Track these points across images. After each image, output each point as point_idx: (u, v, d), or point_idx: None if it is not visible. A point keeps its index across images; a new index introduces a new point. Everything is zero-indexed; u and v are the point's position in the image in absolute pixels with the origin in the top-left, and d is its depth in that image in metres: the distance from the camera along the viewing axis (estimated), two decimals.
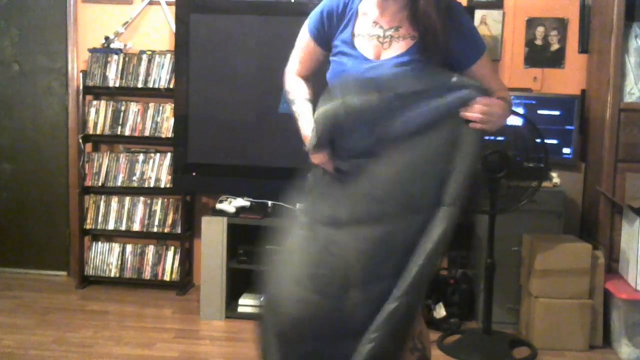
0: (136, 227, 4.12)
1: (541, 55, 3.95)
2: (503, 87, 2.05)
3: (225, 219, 3.66)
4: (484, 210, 3.28)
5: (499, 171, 3.15)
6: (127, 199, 4.13)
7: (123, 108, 4.08)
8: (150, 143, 4.15)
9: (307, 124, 2.01)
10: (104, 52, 4.06)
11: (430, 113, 1.82)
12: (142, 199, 4.13)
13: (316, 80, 2.11)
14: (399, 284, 1.79)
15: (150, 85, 4.03)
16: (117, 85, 4.06)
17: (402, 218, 1.81)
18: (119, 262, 4.14)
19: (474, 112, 1.84)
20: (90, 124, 4.10)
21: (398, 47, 1.93)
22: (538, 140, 3.22)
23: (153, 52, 4.06)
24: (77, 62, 4.22)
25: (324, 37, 2.05)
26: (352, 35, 1.99)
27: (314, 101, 2.02)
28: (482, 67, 1.97)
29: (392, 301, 1.79)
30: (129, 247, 4.15)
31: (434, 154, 1.82)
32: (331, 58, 2.04)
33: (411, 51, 1.91)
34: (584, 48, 3.89)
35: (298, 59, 2.11)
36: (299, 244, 1.93)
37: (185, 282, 4.17)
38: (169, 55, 4.01)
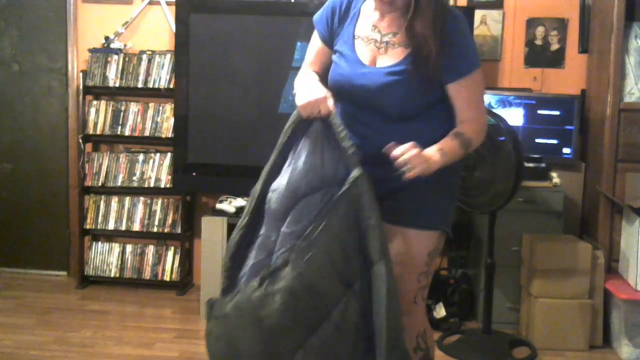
0: (136, 227, 4.12)
1: (541, 55, 3.95)
2: (475, 118, 1.96)
3: (225, 219, 3.66)
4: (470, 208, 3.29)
5: (473, 170, 3.15)
6: (127, 199, 4.13)
7: (123, 108, 4.08)
8: (150, 143, 4.15)
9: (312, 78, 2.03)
10: (104, 52, 4.06)
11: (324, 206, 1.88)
12: (142, 199, 4.13)
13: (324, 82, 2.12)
14: (378, 353, 1.81)
15: (150, 85, 4.03)
16: (117, 85, 4.05)
17: (341, 297, 1.83)
18: (119, 262, 4.14)
19: (403, 161, 1.81)
20: (90, 124, 4.10)
21: (393, 55, 1.95)
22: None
23: (153, 52, 4.06)
24: (77, 62, 4.22)
25: (331, 36, 2.06)
26: (354, 36, 2.00)
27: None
28: (461, 89, 1.93)
29: None
30: (129, 247, 4.14)
31: (342, 228, 1.85)
32: (332, 57, 2.05)
33: (404, 62, 1.92)
34: (584, 48, 3.89)
35: (309, 60, 2.12)
36: None
37: (185, 282, 4.17)
38: (169, 55, 4.01)
